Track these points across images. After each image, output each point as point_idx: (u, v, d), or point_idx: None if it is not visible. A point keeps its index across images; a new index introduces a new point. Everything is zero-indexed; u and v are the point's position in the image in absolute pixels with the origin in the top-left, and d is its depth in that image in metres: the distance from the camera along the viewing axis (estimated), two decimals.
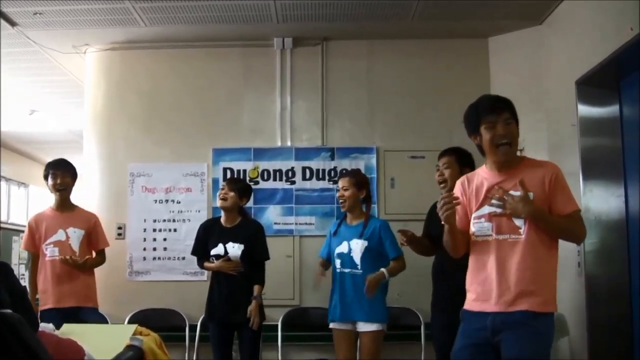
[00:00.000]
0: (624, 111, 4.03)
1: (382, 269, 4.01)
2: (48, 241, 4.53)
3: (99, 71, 5.49)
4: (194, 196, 5.29)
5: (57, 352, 2.14)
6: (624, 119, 4.03)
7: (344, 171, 5.05)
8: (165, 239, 5.26)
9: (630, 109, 3.93)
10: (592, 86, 4.08)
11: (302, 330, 4.99)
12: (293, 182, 5.27)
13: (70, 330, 2.85)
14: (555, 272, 2.80)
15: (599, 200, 4.03)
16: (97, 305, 4.62)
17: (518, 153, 2.96)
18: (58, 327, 2.90)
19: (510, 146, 2.79)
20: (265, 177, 5.28)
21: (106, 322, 4.69)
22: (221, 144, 5.31)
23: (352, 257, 4.12)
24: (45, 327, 2.52)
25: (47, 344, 2.05)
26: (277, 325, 4.92)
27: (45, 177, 4.61)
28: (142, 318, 4.78)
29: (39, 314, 4.22)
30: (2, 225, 8.83)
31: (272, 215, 5.22)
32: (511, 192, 2.75)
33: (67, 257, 4.40)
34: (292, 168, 5.28)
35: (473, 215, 2.89)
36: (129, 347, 2.68)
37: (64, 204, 4.62)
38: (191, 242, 4.55)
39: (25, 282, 4.97)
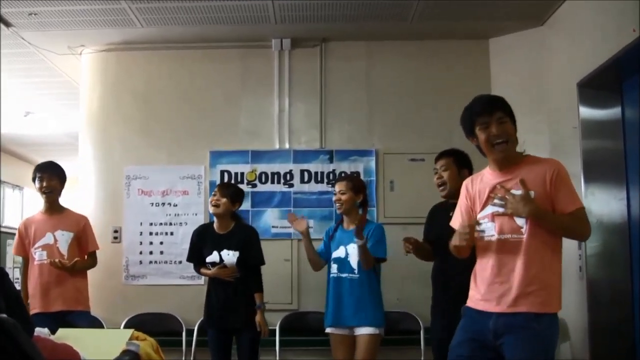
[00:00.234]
0: (626, 113, 4.01)
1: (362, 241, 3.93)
2: (36, 245, 4.48)
3: (95, 72, 5.45)
4: (191, 199, 5.25)
5: (53, 357, 2.14)
6: (626, 121, 4.00)
7: (343, 174, 5.03)
8: (161, 243, 5.22)
9: (633, 111, 3.91)
10: (593, 88, 4.06)
11: (300, 334, 4.95)
12: (291, 185, 5.22)
13: (66, 335, 2.85)
14: (558, 272, 2.78)
15: (600, 203, 4.01)
16: (89, 309, 4.55)
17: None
18: (53, 332, 2.87)
19: (507, 143, 2.78)
20: (263, 180, 5.24)
21: (97, 326, 4.63)
22: (218, 147, 5.27)
23: (349, 261, 4.09)
24: (40, 331, 2.51)
25: (42, 348, 2.04)
26: (275, 330, 4.87)
27: (33, 180, 4.57)
28: (139, 322, 4.74)
29: None
30: None
31: (269, 219, 5.18)
32: (513, 191, 2.73)
33: (56, 260, 4.35)
34: (291, 171, 5.24)
35: (478, 216, 2.87)
36: (125, 352, 2.70)
37: (52, 207, 4.56)
38: (188, 245, 4.49)
39: (19, 286, 4.92)
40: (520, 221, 2.73)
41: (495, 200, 2.77)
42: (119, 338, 2.91)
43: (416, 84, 5.28)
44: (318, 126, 5.28)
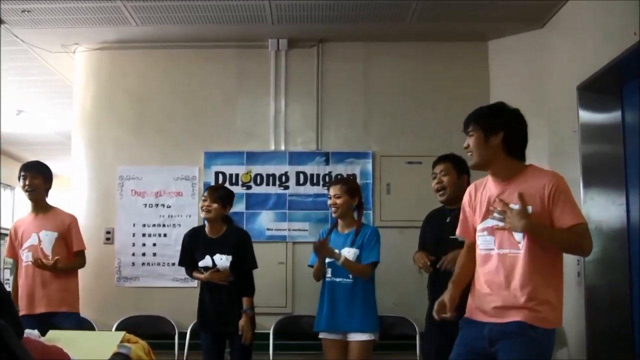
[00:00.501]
0: (626, 117, 3.99)
1: (342, 255, 3.94)
2: (24, 246, 4.43)
3: (89, 71, 5.41)
4: (185, 200, 5.21)
5: (43, 359, 2.10)
6: (626, 125, 3.99)
7: (339, 176, 5.00)
8: (154, 244, 5.17)
9: (633, 115, 3.90)
10: (593, 91, 4.05)
11: (294, 338, 4.91)
12: (287, 187, 5.18)
13: (56, 337, 2.83)
14: (558, 288, 2.75)
15: (599, 209, 3.99)
16: (76, 310, 4.44)
17: None
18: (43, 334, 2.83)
19: (473, 156, 2.83)
20: (258, 182, 5.19)
21: (86, 328, 4.57)
22: (213, 147, 5.22)
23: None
24: (30, 333, 2.49)
25: (32, 350, 2.02)
26: (268, 334, 4.84)
27: (18, 179, 4.50)
28: (131, 325, 4.69)
29: None
30: None
31: (264, 221, 5.14)
32: (511, 205, 2.71)
33: (37, 258, 4.26)
34: (286, 173, 5.19)
35: (477, 228, 2.87)
36: (117, 355, 2.68)
37: (38, 207, 4.48)
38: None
39: (9, 287, 4.86)
40: (518, 236, 2.71)
41: (495, 214, 2.76)
42: (110, 340, 2.89)
43: (414, 86, 5.25)
44: (314, 128, 5.24)
